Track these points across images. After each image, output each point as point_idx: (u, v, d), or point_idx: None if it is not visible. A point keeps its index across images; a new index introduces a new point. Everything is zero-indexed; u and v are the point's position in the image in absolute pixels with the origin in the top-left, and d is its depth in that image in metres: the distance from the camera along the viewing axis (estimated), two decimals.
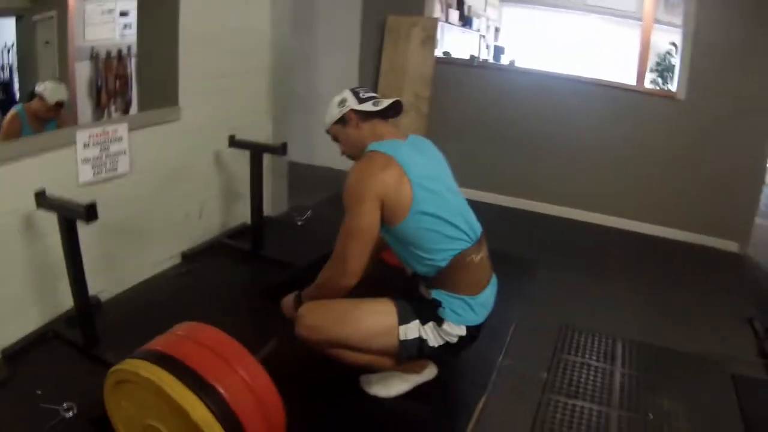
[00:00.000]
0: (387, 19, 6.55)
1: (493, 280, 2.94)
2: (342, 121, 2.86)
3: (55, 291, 3.39)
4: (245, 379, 2.16)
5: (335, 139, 2.96)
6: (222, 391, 2.07)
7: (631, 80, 6.47)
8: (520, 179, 6.56)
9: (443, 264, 2.70)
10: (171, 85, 4.11)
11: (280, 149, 4.39)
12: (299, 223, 5.32)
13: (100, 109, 3.70)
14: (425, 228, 2.65)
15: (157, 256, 4.20)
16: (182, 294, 3.96)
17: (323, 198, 5.89)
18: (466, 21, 8.06)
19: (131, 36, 3.79)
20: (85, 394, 2.70)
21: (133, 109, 3.89)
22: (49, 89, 3.35)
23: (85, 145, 3.46)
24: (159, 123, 4.03)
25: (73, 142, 3.40)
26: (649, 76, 7.60)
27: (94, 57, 3.63)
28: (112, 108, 3.78)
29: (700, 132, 5.85)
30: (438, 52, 6.70)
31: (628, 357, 3.73)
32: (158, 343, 2.26)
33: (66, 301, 3.33)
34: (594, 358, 3.70)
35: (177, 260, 4.38)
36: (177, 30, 4.01)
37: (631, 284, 4.90)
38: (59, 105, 3.41)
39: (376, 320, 2.73)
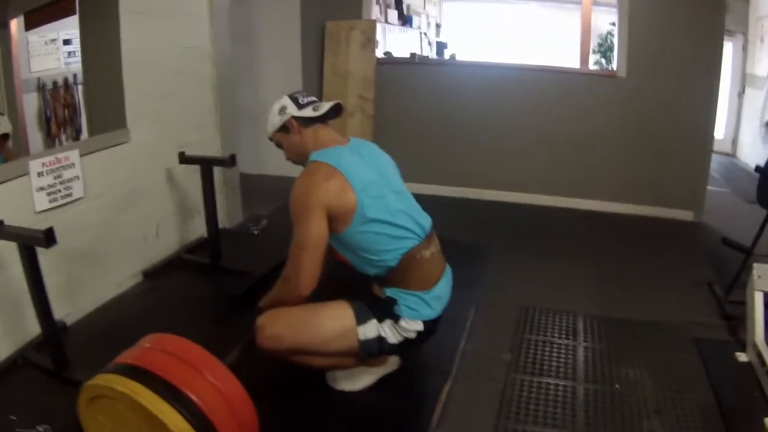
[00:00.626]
0: (326, 25, 6.65)
1: (447, 272, 3.01)
2: (283, 128, 2.92)
3: (21, 319, 3.42)
4: (215, 384, 2.23)
5: (279, 145, 3.03)
6: (194, 398, 2.14)
7: (575, 63, 6.63)
8: (469, 169, 6.70)
9: (393, 263, 2.79)
10: (118, 108, 4.14)
11: (229, 161, 4.45)
12: (255, 232, 5.38)
13: (51, 139, 3.76)
14: (370, 232, 2.74)
15: (119, 277, 4.25)
16: (146, 311, 3.99)
17: (277, 206, 5.91)
18: (405, 20, 8.13)
19: (76, 64, 3.84)
20: (59, 415, 2.73)
21: (84, 135, 3.93)
22: None
23: (39, 174, 3.48)
24: (109, 146, 4.06)
25: (27, 172, 3.43)
26: (593, 58, 7.79)
27: (41, 88, 3.68)
28: (63, 137, 3.83)
29: (644, 107, 6.05)
30: (379, 53, 6.82)
31: (590, 331, 3.84)
32: (128, 356, 2.32)
33: (33, 328, 3.37)
34: (556, 335, 3.79)
35: (139, 279, 4.43)
36: (120, 54, 4.05)
37: (589, 261, 5.03)
38: (4, 137, 3.46)
39: (335, 324, 2.78)
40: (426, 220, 2.95)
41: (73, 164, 3.71)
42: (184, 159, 4.55)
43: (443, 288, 2.94)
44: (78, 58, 3.85)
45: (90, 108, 3.95)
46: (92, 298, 4.00)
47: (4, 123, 3.48)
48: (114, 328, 3.71)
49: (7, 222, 3.14)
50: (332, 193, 2.66)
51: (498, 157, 6.59)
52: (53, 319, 3.23)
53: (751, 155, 8.88)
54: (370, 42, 6.52)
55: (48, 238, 2.91)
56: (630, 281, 4.68)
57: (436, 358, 3.33)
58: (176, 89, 4.68)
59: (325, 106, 2.92)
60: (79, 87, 3.89)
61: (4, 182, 3.31)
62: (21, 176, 3.41)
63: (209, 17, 4.96)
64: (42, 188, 3.52)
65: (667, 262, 5.09)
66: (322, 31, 6.70)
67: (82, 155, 3.77)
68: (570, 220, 6.19)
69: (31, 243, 3.01)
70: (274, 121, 2.94)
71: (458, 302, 3.14)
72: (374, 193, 2.75)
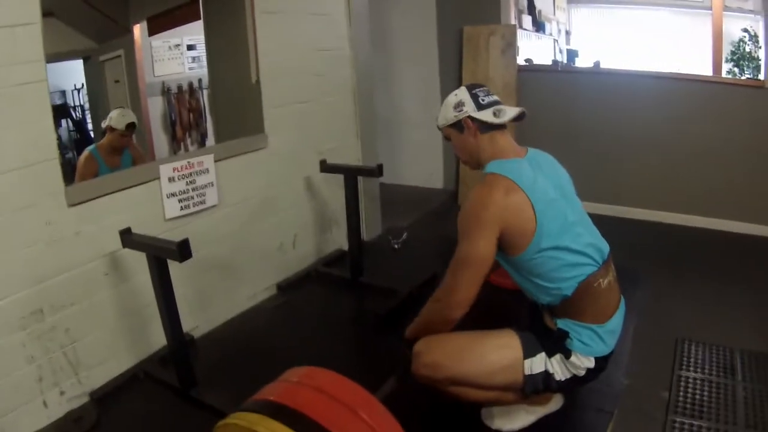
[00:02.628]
0: (464, 30, 6.27)
1: (622, 304, 2.63)
2: (457, 126, 2.58)
3: (145, 330, 3.25)
4: (373, 427, 1.81)
5: (447, 139, 2.69)
6: None
7: (706, 72, 6.06)
8: (611, 184, 6.17)
9: (569, 292, 2.42)
10: (255, 112, 3.95)
11: (376, 171, 4.06)
12: (396, 246, 4.96)
13: (176, 143, 3.67)
14: (548, 257, 2.39)
15: (252, 289, 3.98)
16: (280, 327, 3.71)
17: (416, 218, 5.62)
18: (539, 26, 7.69)
19: (200, 69, 3.77)
20: None
21: (210, 140, 3.82)
22: (115, 116, 3.29)
23: (170, 179, 3.32)
24: (246, 152, 3.87)
25: (157, 177, 3.25)
26: (725, 67, 7.22)
27: (165, 92, 3.62)
28: (188, 140, 3.72)
29: None
30: (519, 60, 6.39)
31: (749, 369, 3.46)
32: (272, 393, 1.90)
33: (157, 339, 3.20)
34: (714, 373, 3.45)
35: (272, 292, 4.14)
36: (249, 59, 3.87)
37: (742, 290, 4.48)
38: (130, 127, 3.33)
39: (500, 355, 2.45)
40: (605, 245, 2.57)
41: (207, 170, 3.52)
42: (325, 167, 4.27)
43: (618, 321, 2.54)
44: (202, 63, 3.79)
45: (216, 113, 3.85)
46: (222, 311, 3.77)
47: (128, 114, 3.37)
48: (245, 344, 3.49)
49: (135, 229, 2.92)
50: (511, 211, 2.33)
51: (641, 172, 6.04)
52: (182, 335, 2.98)
53: None
54: (511, 47, 6.11)
55: (182, 251, 2.61)
56: None
57: (595, 395, 2.91)
58: (315, 93, 4.41)
59: (509, 113, 2.51)
60: (204, 91, 3.79)
61: (132, 187, 3.15)
62: (150, 181, 3.24)
63: (348, 19, 4.68)
64: (173, 194, 3.36)
65: None
66: (459, 36, 6.31)
67: (216, 161, 3.58)
68: (719, 242, 5.58)
69: (163, 255, 2.74)
70: (448, 114, 2.59)
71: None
72: (555, 215, 2.39)
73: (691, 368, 3.47)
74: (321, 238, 4.62)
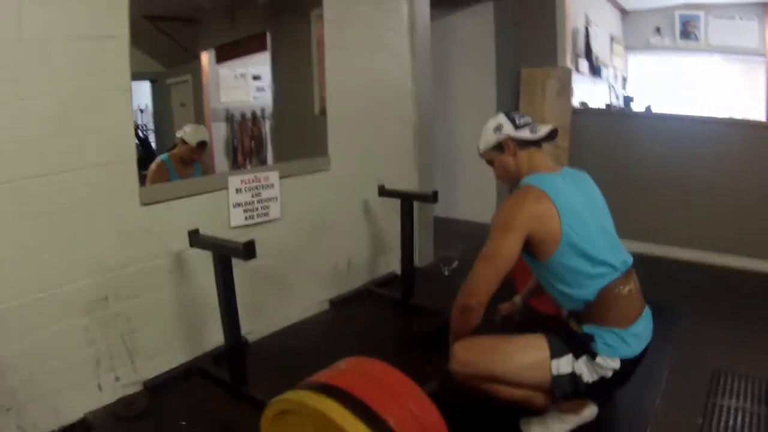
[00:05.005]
0: (521, 72, 6.34)
1: (646, 312, 2.70)
2: (498, 147, 2.75)
3: (201, 329, 3.40)
4: (415, 413, 1.93)
5: (489, 163, 2.86)
6: (391, 423, 1.84)
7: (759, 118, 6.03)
8: (659, 224, 6.11)
9: (591, 298, 2.55)
10: (316, 140, 4.11)
11: (431, 197, 4.19)
12: (446, 273, 5.06)
13: (236, 168, 3.74)
14: (571, 265, 2.53)
15: (305, 302, 4.11)
16: (330, 338, 3.83)
17: (468, 249, 5.56)
18: (595, 71, 7.73)
19: (264, 98, 3.84)
20: (231, 429, 2.67)
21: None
22: (189, 131, 3.40)
23: (237, 190, 3.49)
24: (309, 172, 4.04)
25: (225, 187, 3.44)
26: None
27: (229, 118, 3.69)
28: (248, 167, 3.80)
29: None
30: (574, 103, 6.44)
31: None
32: (322, 376, 2.06)
33: (211, 339, 3.39)
34: (749, 402, 3.39)
35: (325, 306, 4.25)
36: (312, 90, 4.06)
37: None
38: (201, 145, 3.45)
39: (528, 354, 2.57)
40: (628, 257, 2.69)
41: (272, 185, 3.69)
42: (383, 192, 4.37)
43: (642, 327, 2.62)
44: (266, 93, 3.87)
45: (277, 142, 3.92)
46: (276, 319, 3.90)
47: (201, 131, 3.49)
48: (296, 350, 3.60)
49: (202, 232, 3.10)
50: (540, 218, 2.50)
51: (687, 213, 5.96)
52: (239, 333, 3.11)
53: None
54: (566, 90, 6.16)
55: (248, 250, 2.76)
56: None
57: (629, 414, 2.99)
58: (377, 124, 4.59)
59: (543, 129, 2.74)
60: (267, 121, 3.87)
61: (201, 194, 3.33)
62: (219, 190, 3.43)
63: (411, 57, 4.86)
64: (239, 204, 3.52)
65: None
66: (517, 78, 6.40)
67: (281, 177, 3.76)
68: (761, 284, 5.42)
69: (229, 254, 2.90)
70: (489, 138, 2.77)
71: (653, 358, 2.80)
72: (580, 226, 2.54)
73: (726, 397, 3.44)
74: (375, 261, 4.72)
